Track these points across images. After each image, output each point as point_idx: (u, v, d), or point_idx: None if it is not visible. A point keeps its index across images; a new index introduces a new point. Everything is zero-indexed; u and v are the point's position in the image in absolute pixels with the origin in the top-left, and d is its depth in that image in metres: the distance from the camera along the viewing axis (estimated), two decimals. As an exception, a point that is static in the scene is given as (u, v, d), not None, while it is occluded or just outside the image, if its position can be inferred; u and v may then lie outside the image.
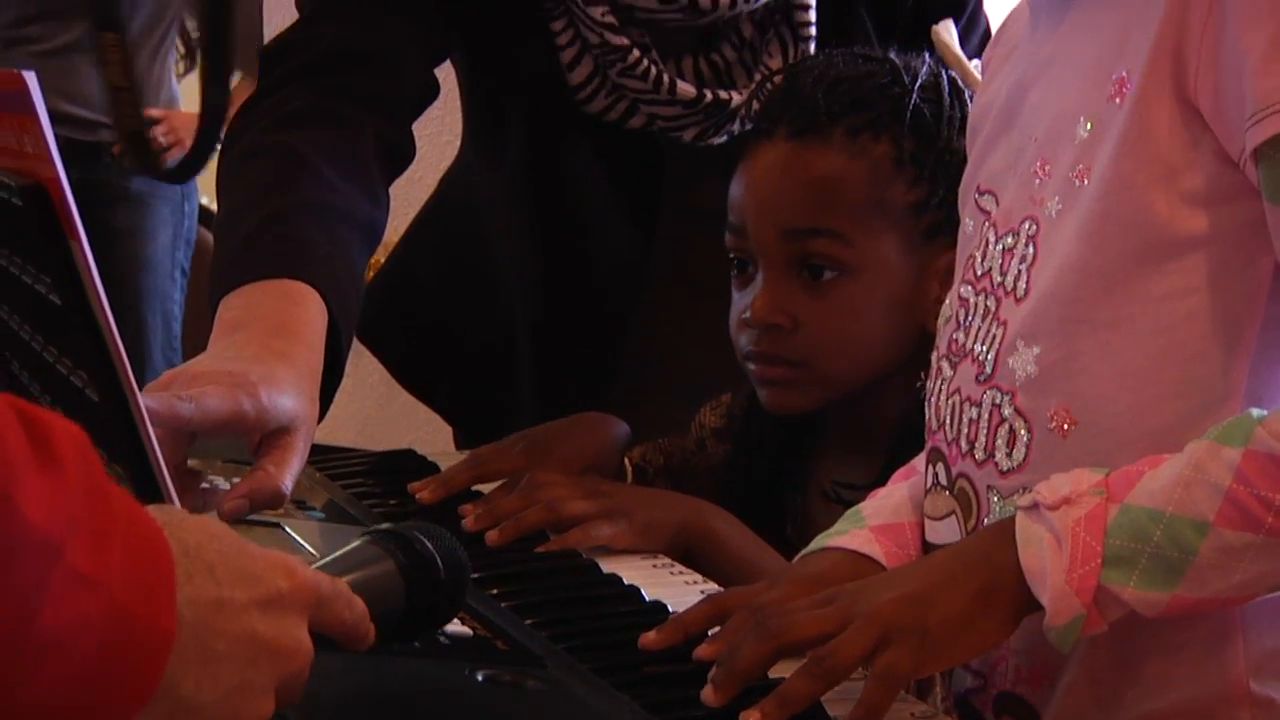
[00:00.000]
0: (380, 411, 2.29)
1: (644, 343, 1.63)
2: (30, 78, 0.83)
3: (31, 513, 0.63)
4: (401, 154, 1.51)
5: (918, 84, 1.30)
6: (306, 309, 1.27)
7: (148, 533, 0.71)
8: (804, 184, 1.29)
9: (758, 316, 1.29)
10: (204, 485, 1.21)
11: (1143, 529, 0.90)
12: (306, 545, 1.17)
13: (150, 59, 3.31)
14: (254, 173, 1.39)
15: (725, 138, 1.56)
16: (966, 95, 1.32)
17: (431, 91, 1.56)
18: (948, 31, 1.37)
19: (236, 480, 1.18)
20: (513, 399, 1.67)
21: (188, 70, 3.42)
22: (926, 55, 1.35)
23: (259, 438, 1.18)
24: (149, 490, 0.93)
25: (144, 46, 3.27)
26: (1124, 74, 0.96)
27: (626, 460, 1.43)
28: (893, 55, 1.35)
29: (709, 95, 1.53)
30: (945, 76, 1.33)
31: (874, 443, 1.33)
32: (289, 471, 1.16)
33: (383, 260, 1.89)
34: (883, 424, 1.32)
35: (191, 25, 3.35)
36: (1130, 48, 0.96)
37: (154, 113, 3.28)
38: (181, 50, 3.40)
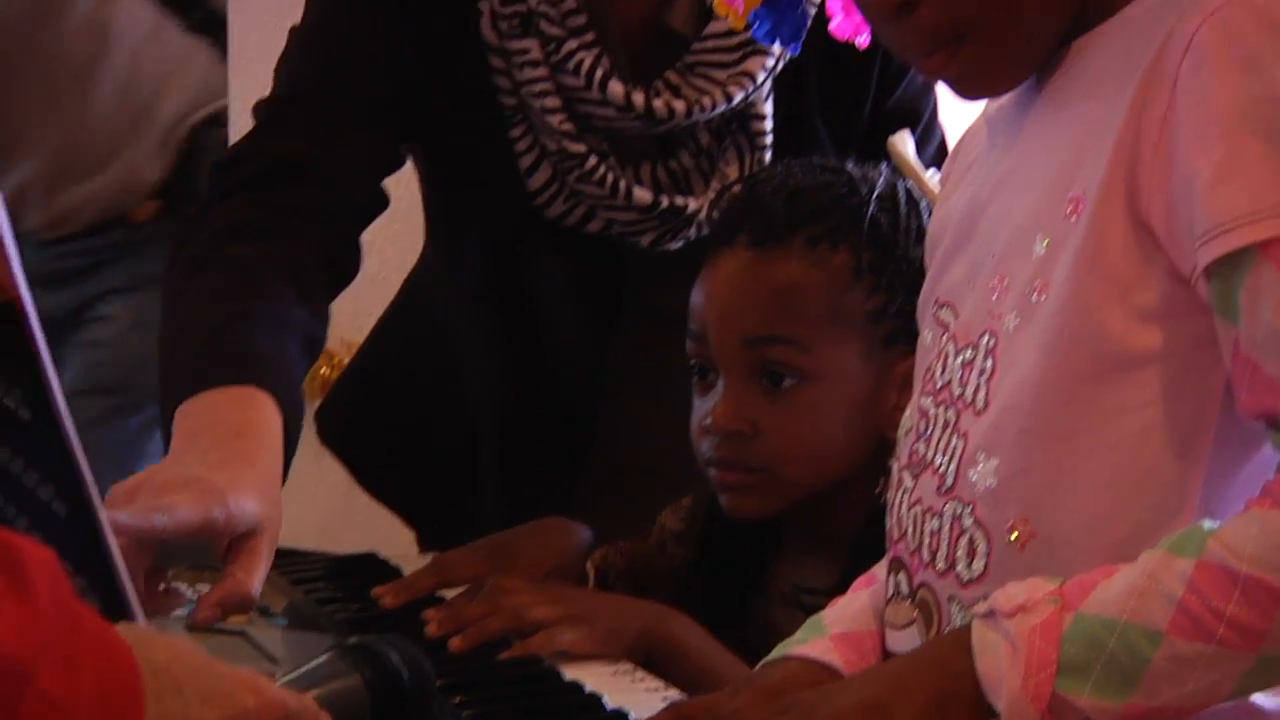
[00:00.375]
0: (342, 512, 2.28)
1: (608, 444, 1.63)
2: None
3: (3, 639, 0.64)
4: (343, 268, 1.52)
5: (875, 194, 1.31)
6: (264, 413, 1.29)
7: (117, 654, 0.71)
8: (764, 292, 1.31)
9: (718, 423, 1.30)
10: (162, 587, 1.21)
11: (1097, 637, 0.90)
12: (271, 653, 1.17)
13: None
14: (199, 286, 1.40)
15: (682, 242, 1.57)
16: (922, 205, 1.33)
17: (380, 202, 1.58)
18: (903, 143, 1.39)
19: (201, 587, 1.18)
20: (477, 501, 1.67)
21: None
22: (883, 166, 1.37)
23: (227, 542, 1.19)
24: (114, 603, 0.92)
25: None
26: (1080, 192, 0.97)
27: (589, 564, 1.43)
28: (850, 166, 1.36)
29: (665, 201, 1.54)
30: (901, 187, 1.35)
31: (834, 547, 1.33)
32: (257, 576, 1.19)
33: (348, 360, 1.89)
34: (842, 528, 1.33)
35: None
36: (1085, 166, 0.97)
37: None
38: None
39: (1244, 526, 0.90)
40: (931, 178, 1.38)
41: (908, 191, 1.34)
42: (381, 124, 1.54)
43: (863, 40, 1.08)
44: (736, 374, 1.31)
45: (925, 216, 1.32)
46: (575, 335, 1.62)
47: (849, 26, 1.09)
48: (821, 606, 1.15)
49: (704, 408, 1.33)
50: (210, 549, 1.21)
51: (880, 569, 1.12)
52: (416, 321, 1.78)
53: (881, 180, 1.33)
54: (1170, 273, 0.94)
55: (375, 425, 1.79)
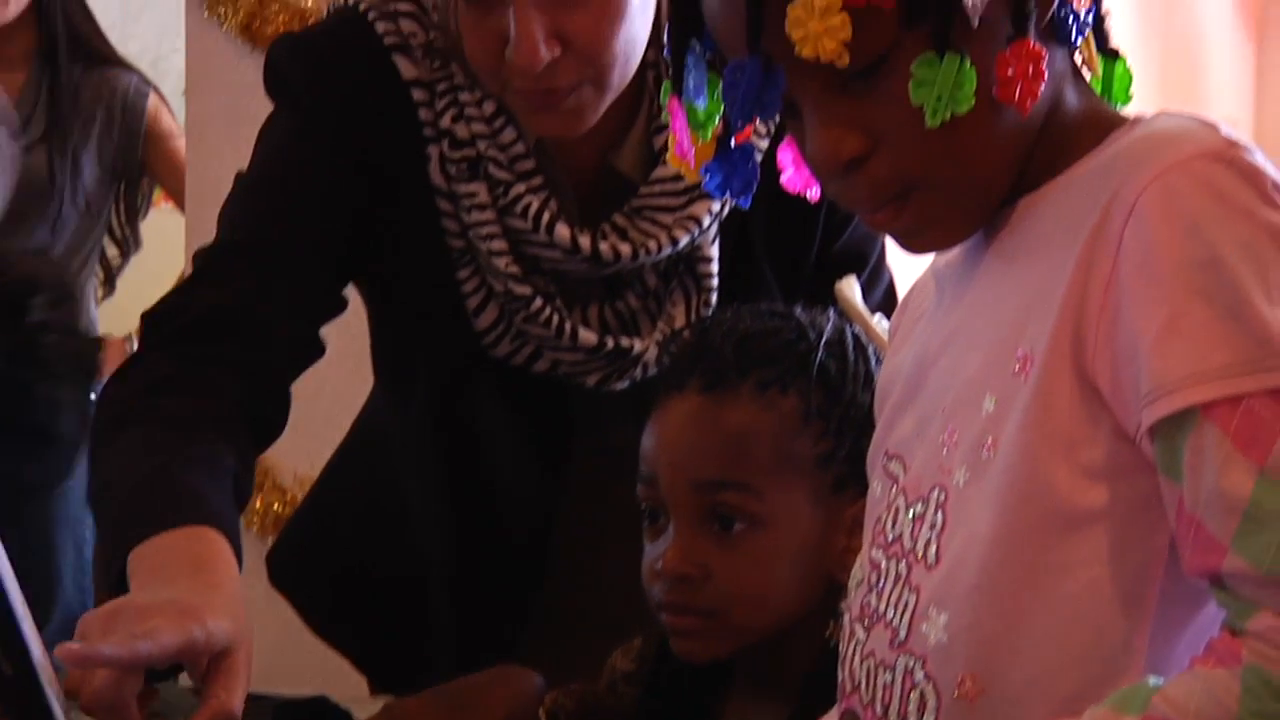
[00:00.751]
0: (293, 650, 2.26)
1: (558, 585, 1.62)
2: None
3: None
4: (269, 422, 1.51)
5: (823, 339, 1.32)
6: (219, 547, 1.31)
7: None
8: (715, 438, 1.31)
9: (669, 567, 1.30)
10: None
11: None
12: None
13: (74, 280, 3.27)
14: (129, 439, 1.40)
15: (628, 383, 1.57)
16: (870, 351, 1.34)
17: (315, 349, 1.57)
18: (850, 288, 1.40)
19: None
20: (429, 644, 1.65)
21: (105, 296, 3.41)
22: (831, 311, 1.38)
23: (206, 661, 1.21)
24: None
25: (68, 267, 3.26)
26: (1027, 350, 0.98)
27: (540, 711, 1.42)
28: (799, 311, 1.37)
29: (611, 343, 1.54)
30: (849, 332, 1.35)
31: (784, 688, 1.33)
32: (238, 695, 1.21)
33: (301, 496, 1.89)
34: (792, 670, 1.32)
35: (112, 254, 3.36)
36: (1033, 325, 0.98)
37: None
38: (101, 277, 3.40)
39: (1188, 684, 0.91)
40: (878, 323, 1.39)
41: (855, 337, 1.35)
42: (320, 271, 1.54)
43: (813, 194, 1.09)
44: (687, 518, 1.31)
45: (873, 362, 1.33)
46: (523, 476, 1.62)
47: (799, 180, 1.10)
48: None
49: (655, 551, 1.33)
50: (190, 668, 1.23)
51: (831, 718, 1.11)
52: (366, 462, 1.78)
53: (830, 325, 1.34)
54: (1116, 431, 0.96)
55: (325, 569, 1.78)
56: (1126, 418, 0.95)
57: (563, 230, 1.50)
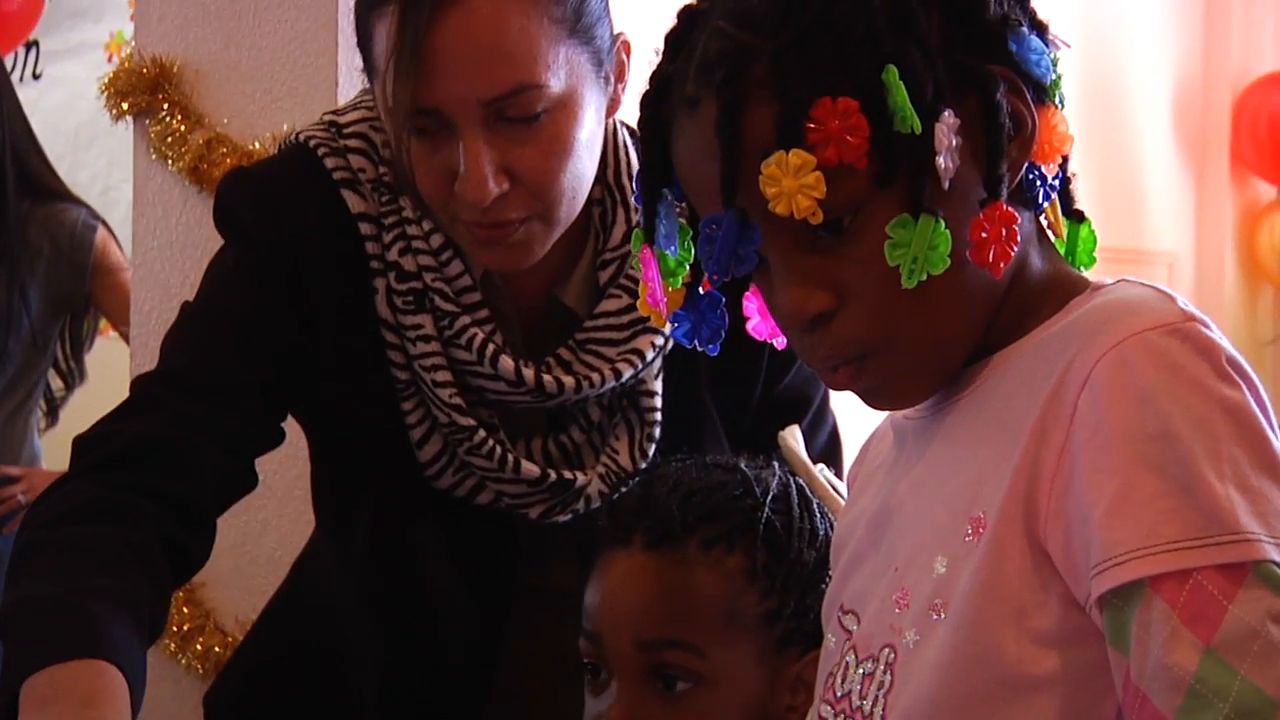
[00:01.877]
0: None
1: None
2: None
3: None
4: (191, 551, 1.49)
5: (769, 496, 1.31)
6: (112, 680, 1.29)
7: None
8: (659, 596, 1.31)
9: None
10: None
11: None
12: None
13: (13, 416, 3.31)
14: (39, 565, 1.39)
15: (571, 516, 1.56)
16: (815, 505, 1.33)
17: (248, 480, 1.55)
18: (794, 438, 1.39)
19: None
20: None
21: (49, 426, 3.41)
22: (776, 465, 1.36)
23: None
24: None
25: (6, 405, 3.28)
26: (981, 513, 0.99)
27: None
28: (744, 464, 1.35)
29: (554, 475, 1.54)
30: (795, 486, 1.34)
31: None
32: None
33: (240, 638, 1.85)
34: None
35: (56, 385, 3.37)
36: (987, 489, 0.99)
37: (12, 471, 3.26)
38: (44, 408, 3.40)
39: None
40: (821, 473, 1.37)
41: (801, 491, 1.34)
42: (255, 401, 1.53)
43: (780, 343, 1.09)
44: (630, 677, 1.30)
45: (818, 517, 1.32)
46: (465, 616, 1.60)
47: (765, 330, 1.10)
48: None
49: (598, 708, 1.31)
50: None
51: None
52: (304, 604, 1.76)
53: (775, 481, 1.33)
54: (1066, 599, 0.96)
55: (260, 712, 1.76)
56: (1077, 585, 0.95)
57: (507, 362, 1.50)
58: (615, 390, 1.55)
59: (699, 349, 1.10)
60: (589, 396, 1.54)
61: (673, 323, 1.08)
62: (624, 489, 1.53)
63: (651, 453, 1.58)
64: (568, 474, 1.54)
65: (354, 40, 1.51)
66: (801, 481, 1.35)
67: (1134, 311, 0.97)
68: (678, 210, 1.06)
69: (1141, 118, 4.94)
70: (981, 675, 0.97)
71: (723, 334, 1.08)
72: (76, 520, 1.42)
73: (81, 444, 1.49)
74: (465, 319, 1.51)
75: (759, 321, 1.10)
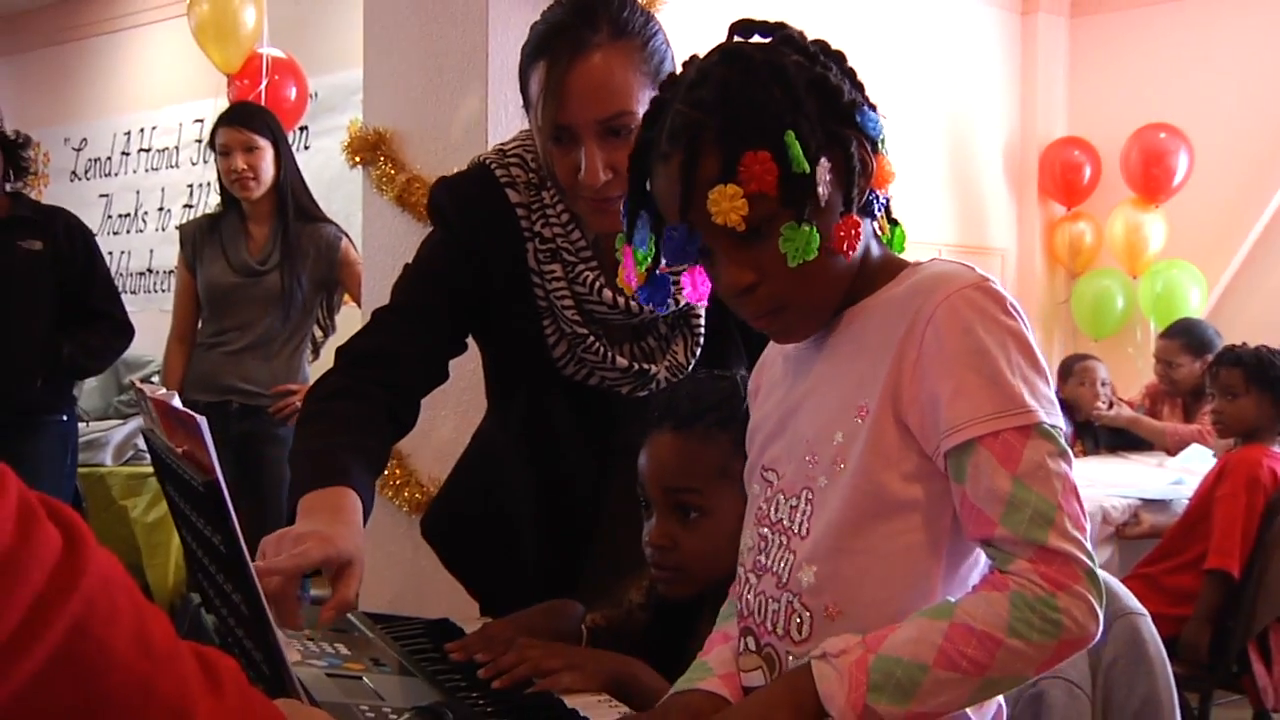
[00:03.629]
0: (429, 586, 2.23)
1: (603, 540, 1.63)
2: (202, 422, 0.91)
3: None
4: (404, 420, 1.56)
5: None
6: (351, 500, 1.37)
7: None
8: (678, 459, 1.31)
9: (652, 540, 1.33)
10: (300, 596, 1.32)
11: (889, 668, 0.97)
12: (380, 693, 1.20)
13: (294, 353, 3.48)
14: (310, 428, 1.49)
15: (645, 392, 1.61)
16: None
17: (441, 375, 1.62)
18: None
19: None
20: (522, 581, 1.67)
21: (314, 360, 3.55)
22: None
23: (336, 567, 1.29)
24: (278, 681, 0.97)
25: (289, 347, 3.46)
26: (864, 403, 1.04)
27: (583, 626, 1.44)
28: (739, 375, 1.36)
29: (637, 366, 1.60)
30: None
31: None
32: (354, 591, 1.28)
33: (434, 490, 1.80)
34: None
35: (317, 334, 3.54)
36: (866, 388, 1.05)
37: (293, 386, 3.41)
38: (311, 349, 3.55)
39: (975, 601, 0.98)
40: None
41: None
42: (446, 323, 1.60)
43: (702, 302, 1.09)
44: (662, 509, 1.33)
45: None
46: (584, 460, 1.64)
47: (695, 295, 1.16)
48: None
49: (646, 528, 1.35)
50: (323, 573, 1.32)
51: (731, 628, 1.14)
52: (480, 460, 1.80)
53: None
54: (921, 453, 1.03)
55: (455, 530, 1.79)
56: (928, 445, 1.02)
57: (607, 293, 1.57)
58: (675, 313, 1.61)
59: (655, 310, 1.07)
60: (658, 317, 1.60)
61: (640, 292, 1.11)
62: (678, 378, 1.55)
63: (698, 354, 1.61)
64: (646, 366, 1.60)
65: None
66: None
67: (952, 277, 1.02)
68: (650, 224, 1.08)
69: (983, 159, 5.87)
70: (871, 502, 1.02)
71: (667, 300, 1.12)
72: (334, 398, 1.51)
73: (340, 352, 1.60)
74: (581, 266, 1.58)
75: (691, 290, 1.14)
